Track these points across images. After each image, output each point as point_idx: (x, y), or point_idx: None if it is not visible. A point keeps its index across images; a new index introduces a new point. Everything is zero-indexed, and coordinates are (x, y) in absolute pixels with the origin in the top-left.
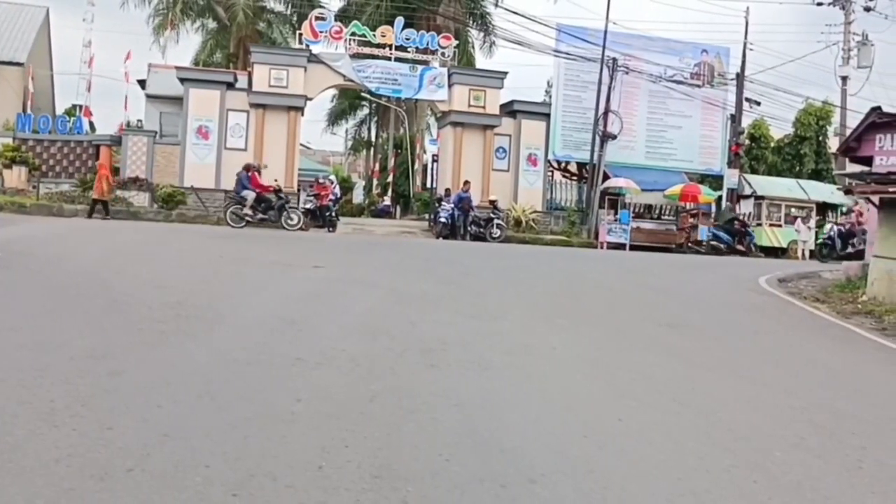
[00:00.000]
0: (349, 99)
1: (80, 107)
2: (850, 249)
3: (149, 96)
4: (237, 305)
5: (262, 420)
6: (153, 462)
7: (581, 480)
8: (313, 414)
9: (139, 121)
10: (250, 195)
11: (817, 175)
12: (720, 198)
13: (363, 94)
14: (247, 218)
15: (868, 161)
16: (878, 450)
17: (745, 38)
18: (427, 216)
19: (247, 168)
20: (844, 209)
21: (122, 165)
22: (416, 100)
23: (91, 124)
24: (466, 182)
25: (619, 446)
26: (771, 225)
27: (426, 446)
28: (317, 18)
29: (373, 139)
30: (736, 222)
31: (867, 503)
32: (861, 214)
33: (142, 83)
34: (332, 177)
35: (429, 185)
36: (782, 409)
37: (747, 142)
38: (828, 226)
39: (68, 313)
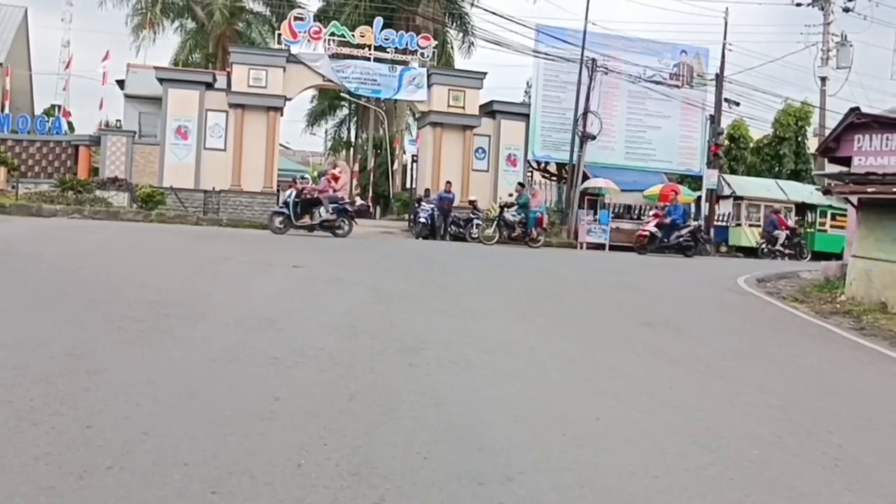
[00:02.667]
0: (329, 99)
1: (59, 107)
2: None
3: (127, 96)
4: (217, 304)
5: (241, 418)
6: (132, 460)
7: (559, 478)
8: (292, 412)
9: (118, 121)
10: (782, 235)
11: (796, 175)
12: (699, 198)
13: (342, 94)
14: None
15: (847, 161)
16: (854, 448)
17: (725, 38)
18: (407, 216)
19: (775, 211)
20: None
21: (101, 165)
22: (396, 100)
23: (70, 124)
24: (448, 182)
25: (597, 444)
26: (750, 225)
27: (405, 444)
28: (295, 19)
29: (352, 139)
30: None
31: (843, 500)
32: (335, 178)
33: (120, 83)
34: (307, 176)
35: (408, 185)
36: (760, 407)
37: (726, 142)
38: (287, 192)
39: (48, 312)
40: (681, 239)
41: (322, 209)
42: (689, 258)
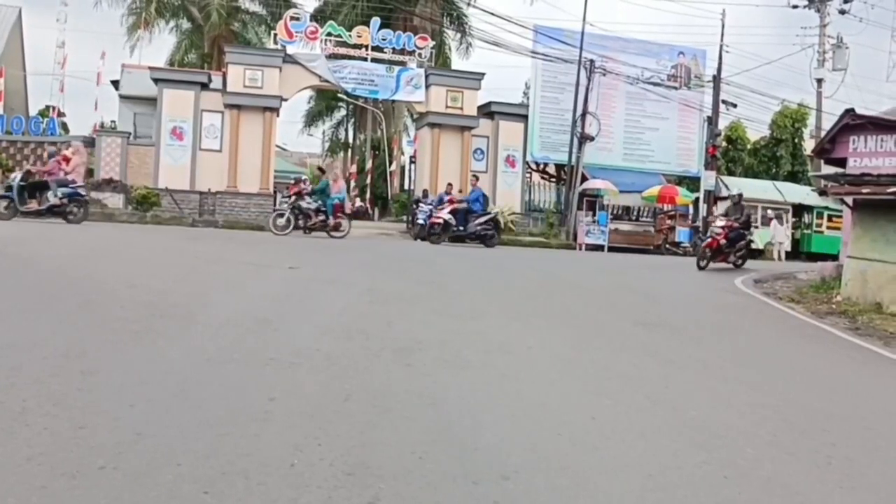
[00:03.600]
0: (326, 100)
1: (54, 108)
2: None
3: (122, 97)
4: (212, 305)
5: (235, 418)
6: (125, 460)
7: (554, 477)
8: (287, 412)
9: (113, 121)
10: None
11: (793, 177)
12: (697, 199)
13: (340, 94)
14: None
15: (842, 163)
16: (847, 447)
17: (722, 40)
18: (405, 218)
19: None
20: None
21: (95, 167)
22: (394, 101)
23: (64, 125)
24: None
25: (593, 443)
26: None
27: (400, 444)
28: (292, 18)
29: (350, 140)
30: None
31: (835, 499)
32: (66, 160)
33: (115, 84)
34: (305, 177)
35: (406, 186)
36: (755, 407)
37: (724, 144)
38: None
39: (41, 313)
40: (479, 227)
41: (50, 193)
42: (491, 248)
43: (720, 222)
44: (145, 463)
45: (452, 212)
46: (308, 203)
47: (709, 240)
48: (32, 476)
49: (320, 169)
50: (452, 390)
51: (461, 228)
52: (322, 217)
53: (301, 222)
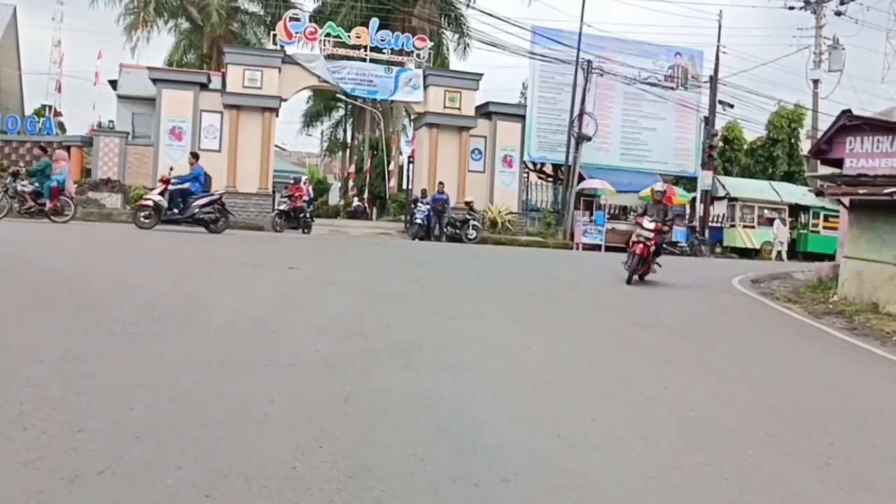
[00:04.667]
0: (325, 100)
1: (50, 107)
2: None
3: (120, 97)
4: (210, 306)
5: (234, 421)
6: (124, 464)
7: (554, 479)
8: (287, 414)
9: (111, 121)
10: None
11: (790, 177)
12: (694, 199)
13: (339, 95)
14: None
15: (839, 163)
16: (846, 447)
17: (718, 41)
18: (403, 217)
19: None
20: None
21: (93, 167)
22: (392, 101)
23: (61, 125)
24: (441, 183)
25: (592, 445)
26: (745, 226)
27: (400, 446)
28: (291, 19)
29: (349, 140)
30: None
31: (835, 499)
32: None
33: (113, 83)
34: (305, 177)
35: (405, 186)
36: (754, 407)
37: (721, 144)
38: None
39: (38, 315)
40: (196, 210)
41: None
42: (216, 234)
43: (649, 224)
44: (145, 467)
45: (167, 193)
46: (24, 185)
47: (640, 246)
48: (31, 481)
49: (41, 148)
50: (452, 392)
51: (176, 211)
52: (41, 200)
53: (17, 206)
